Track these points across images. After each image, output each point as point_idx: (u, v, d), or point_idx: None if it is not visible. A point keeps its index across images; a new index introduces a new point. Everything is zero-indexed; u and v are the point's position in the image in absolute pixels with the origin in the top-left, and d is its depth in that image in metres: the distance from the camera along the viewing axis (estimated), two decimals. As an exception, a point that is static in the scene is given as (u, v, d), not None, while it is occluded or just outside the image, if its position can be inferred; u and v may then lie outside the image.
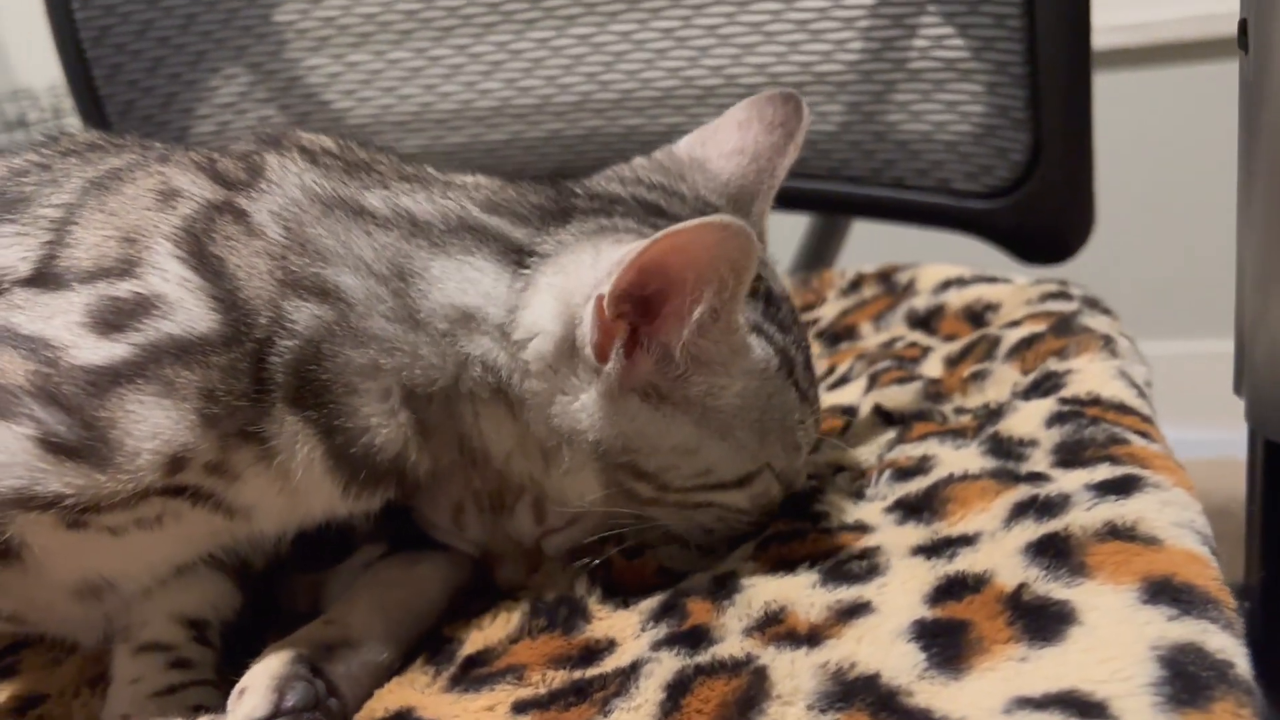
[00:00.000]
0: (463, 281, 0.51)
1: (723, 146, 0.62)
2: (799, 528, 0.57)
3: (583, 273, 0.50)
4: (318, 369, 0.49)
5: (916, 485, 0.59)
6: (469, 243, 0.52)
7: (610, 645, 0.52)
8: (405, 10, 1.06)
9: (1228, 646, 0.42)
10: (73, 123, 1.24)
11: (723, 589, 0.53)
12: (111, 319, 0.47)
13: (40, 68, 1.66)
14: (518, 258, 0.52)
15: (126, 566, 0.54)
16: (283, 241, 0.50)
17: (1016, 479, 0.56)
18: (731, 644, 0.49)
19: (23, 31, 2.11)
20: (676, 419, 0.52)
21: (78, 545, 0.50)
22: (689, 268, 0.47)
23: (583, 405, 0.51)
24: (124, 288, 0.48)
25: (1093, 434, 0.59)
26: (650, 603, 0.54)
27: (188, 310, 0.48)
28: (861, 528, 0.56)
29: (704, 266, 0.47)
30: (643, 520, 0.55)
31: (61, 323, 0.47)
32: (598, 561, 0.56)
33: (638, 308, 0.49)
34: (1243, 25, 0.63)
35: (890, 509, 0.57)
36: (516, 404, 0.52)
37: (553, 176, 0.59)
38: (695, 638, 0.50)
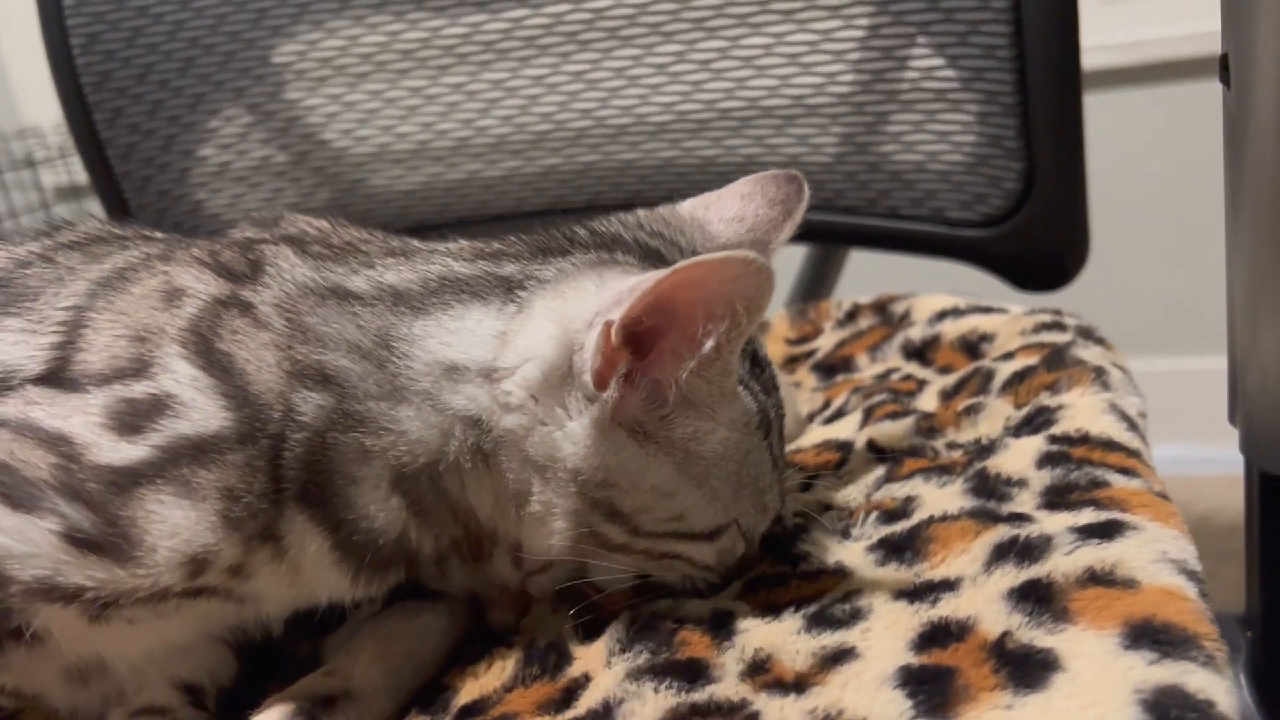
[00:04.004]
0: (444, 335, 0.52)
1: (724, 213, 0.63)
2: (782, 571, 0.57)
3: (585, 299, 0.50)
4: (323, 460, 0.49)
5: (900, 526, 0.59)
6: (448, 296, 0.53)
7: (585, 680, 0.51)
8: (401, 50, 1.07)
9: (1208, 685, 0.42)
10: (77, 162, 1.25)
11: (723, 627, 0.53)
12: (129, 420, 0.48)
13: (46, 106, 1.67)
14: (507, 289, 0.53)
15: (130, 650, 0.54)
16: (287, 331, 0.51)
17: (996, 519, 0.56)
18: (729, 686, 0.49)
19: (29, 70, 2.14)
20: (659, 458, 0.52)
21: (95, 635, 0.51)
22: (700, 302, 0.47)
23: (567, 434, 0.51)
24: (138, 389, 0.49)
25: (1077, 477, 0.59)
26: (618, 626, 0.54)
27: (200, 410, 0.48)
28: (844, 570, 0.56)
29: (718, 301, 0.47)
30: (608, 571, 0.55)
31: (80, 422, 0.48)
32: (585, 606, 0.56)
33: (630, 343, 0.49)
34: (1223, 60, 0.63)
35: (872, 549, 0.57)
36: (492, 456, 0.52)
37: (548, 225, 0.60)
38: (692, 672, 0.50)
